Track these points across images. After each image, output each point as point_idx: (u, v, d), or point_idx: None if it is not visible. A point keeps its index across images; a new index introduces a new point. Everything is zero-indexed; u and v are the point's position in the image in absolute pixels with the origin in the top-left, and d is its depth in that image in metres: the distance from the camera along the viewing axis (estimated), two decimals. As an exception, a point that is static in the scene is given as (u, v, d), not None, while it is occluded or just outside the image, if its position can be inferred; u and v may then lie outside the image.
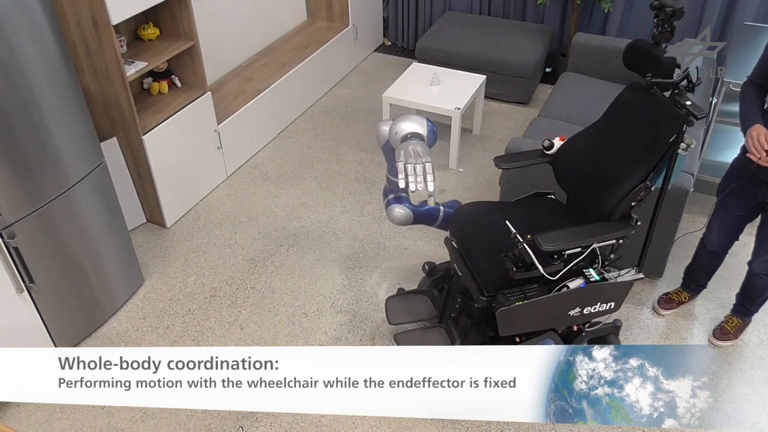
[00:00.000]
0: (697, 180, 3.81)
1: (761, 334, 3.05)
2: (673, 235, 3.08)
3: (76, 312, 2.97)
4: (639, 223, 2.40)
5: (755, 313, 2.99)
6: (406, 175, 2.09)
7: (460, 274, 2.58)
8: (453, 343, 2.67)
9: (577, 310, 2.44)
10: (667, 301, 3.15)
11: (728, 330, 3.00)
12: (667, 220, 3.04)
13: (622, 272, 2.45)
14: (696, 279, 3.10)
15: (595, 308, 2.47)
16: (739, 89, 3.49)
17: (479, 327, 2.72)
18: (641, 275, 2.48)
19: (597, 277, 2.37)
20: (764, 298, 2.87)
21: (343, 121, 4.70)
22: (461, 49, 4.75)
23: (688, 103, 2.20)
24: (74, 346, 3.06)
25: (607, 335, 2.83)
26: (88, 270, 2.96)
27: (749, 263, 2.80)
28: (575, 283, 2.35)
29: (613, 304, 2.49)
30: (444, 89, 4.15)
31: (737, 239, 2.86)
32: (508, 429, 2.68)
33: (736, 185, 2.68)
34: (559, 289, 2.36)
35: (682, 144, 2.25)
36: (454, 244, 2.66)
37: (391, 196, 2.86)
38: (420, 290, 3.02)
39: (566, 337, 2.71)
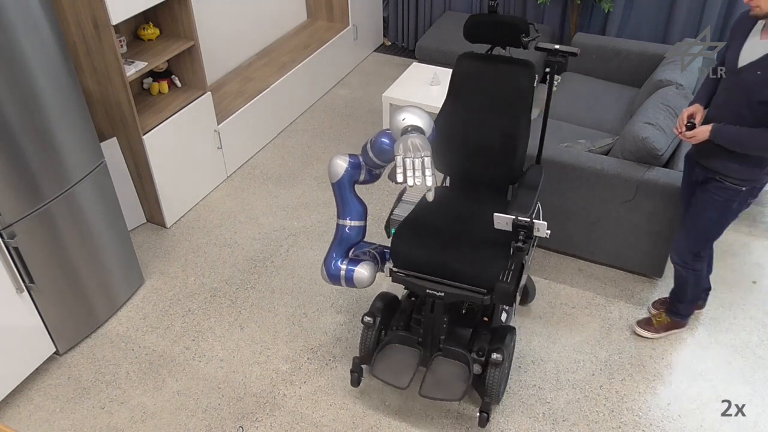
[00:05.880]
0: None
1: (761, 334, 3.05)
2: (673, 235, 3.08)
3: (76, 312, 2.97)
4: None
5: (686, 317, 2.97)
6: (405, 170, 2.09)
7: (442, 294, 2.48)
8: (467, 362, 2.58)
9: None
10: (665, 302, 3.14)
11: (652, 322, 3.01)
12: (667, 220, 3.04)
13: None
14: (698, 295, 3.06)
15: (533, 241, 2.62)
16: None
17: (452, 335, 2.67)
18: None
19: (527, 219, 2.41)
20: (686, 295, 2.87)
21: (343, 121, 4.70)
22: (461, 49, 4.74)
23: (557, 46, 2.49)
24: (74, 346, 3.06)
25: None
26: (88, 270, 2.96)
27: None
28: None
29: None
30: (444, 89, 4.15)
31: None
32: (508, 429, 2.68)
33: (685, 168, 2.77)
34: (522, 246, 2.34)
35: (556, 79, 2.37)
36: (408, 274, 2.54)
37: (342, 264, 2.48)
38: (386, 342, 2.71)
39: None
